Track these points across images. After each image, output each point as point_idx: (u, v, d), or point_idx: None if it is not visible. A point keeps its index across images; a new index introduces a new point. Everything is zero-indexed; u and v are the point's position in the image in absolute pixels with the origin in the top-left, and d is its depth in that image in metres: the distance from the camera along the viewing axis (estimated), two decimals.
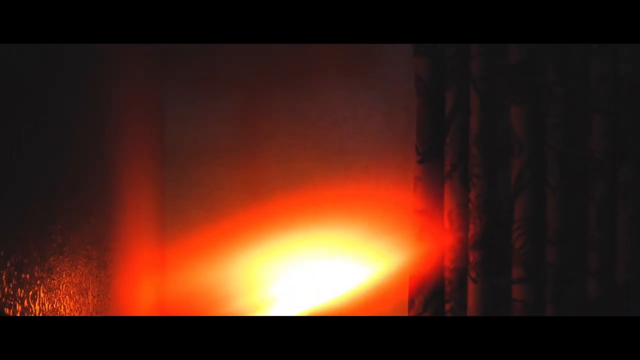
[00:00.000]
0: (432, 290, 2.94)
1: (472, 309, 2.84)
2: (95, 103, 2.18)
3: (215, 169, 3.15)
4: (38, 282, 1.75)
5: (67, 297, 1.94)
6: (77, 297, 2.03)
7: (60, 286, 1.90)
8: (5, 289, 1.61)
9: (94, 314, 2.17)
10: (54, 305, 1.86)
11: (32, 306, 1.73)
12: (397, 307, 3.09)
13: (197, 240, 3.16)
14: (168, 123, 3.13)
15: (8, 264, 1.61)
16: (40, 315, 1.77)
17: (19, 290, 1.66)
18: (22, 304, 1.68)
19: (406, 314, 3.03)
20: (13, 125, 1.61)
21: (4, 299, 1.60)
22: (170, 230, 3.14)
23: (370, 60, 3.11)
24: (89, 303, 2.12)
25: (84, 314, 2.08)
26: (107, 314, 2.30)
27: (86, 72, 2.10)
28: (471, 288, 2.85)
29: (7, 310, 1.60)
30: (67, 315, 1.94)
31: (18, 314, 1.66)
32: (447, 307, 2.91)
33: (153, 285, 2.94)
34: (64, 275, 1.92)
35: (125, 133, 2.52)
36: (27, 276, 1.70)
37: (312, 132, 3.14)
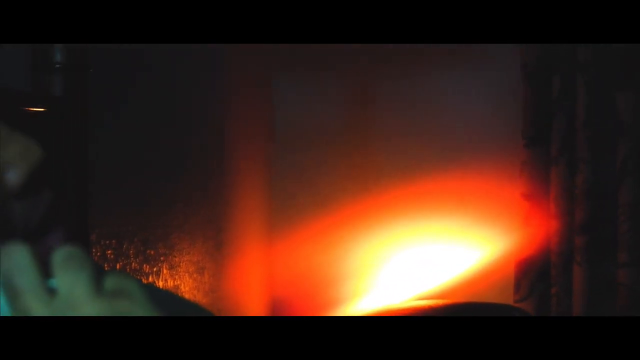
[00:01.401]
0: (538, 274, 2.96)
1: (577, 292, 2.86)
2: (212, 92, 2.26)
3: (323, 154, 3.19)
4: (162, 258, 1.84)
5: (186, 275, 2.03)
6: (195, 276, 2.11)
7: (181, 264, 1.99)
8: (133, 264, 1.69)
9: (210, 293, 2.25)
10: (176, 283, 1.94)
11: (157, 282, 1.82)
12: (502, 291, 3.10)
13: (304, 224, 3.20)
14: (278, 109, 3.19)
15: (135, 240, 1.69)
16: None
17: (144, 265, 1.75)
18: (147, 279, 1.76)
19: (512, 298, 3.05)
20: (145, 117, 1.69)
21: (131, 274, 1.69)
22: (279, 214, 3.20)
23: (476, 46, 3.13)
24: (205, 282, 2.20)
25: (201, 292, 2.16)
26: (221, 294, 2.38)
27: (206, 62, 2.18)
28: (577, 272, 2.86)
29: None
30: (185, 292, 2.02)
31: None
32: (553, 290, 2.93)
33: (262, 267, 3.01)
34: (184, 253, 2.01)
35: (238, 119, 2.59)
36: (152, 252, 1.79)
37: (419, 118, 3.17)
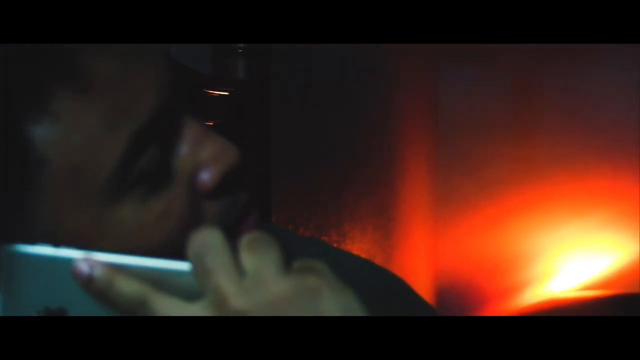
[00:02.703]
0: None
1: None
2: (379, 84, 2.26)
3: (487, 144, 3.16)
4: (335, 245, 1.85)
5: None
6: None
7: (353, 252, 1.99)
8: None
9: None
10: None
11: None
12: None
13: (469, 215, 3.18)
14: (442, 99, 3.17)
15: (310, 226, 1.71)
16: None
17: None
18: None
19: None
20: (317, 107, 1.71)
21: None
22: (444, 204, 3.18)
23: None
24: None
25: None
26: None
27: (372, 55, 2.18)
28: None
29: None
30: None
31: None
32: None
33: (428, 257, 3.00)
34: (355, 241, 2.02)
35: (404, 110, 2.59)
36: (326, 239, 1.80)
37: (583, 109, 3.11)
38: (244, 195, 0.64)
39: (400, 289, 0.86)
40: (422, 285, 2.90)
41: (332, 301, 0.54)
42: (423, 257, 2.90)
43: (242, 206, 0.64)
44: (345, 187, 1.92)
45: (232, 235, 0.56)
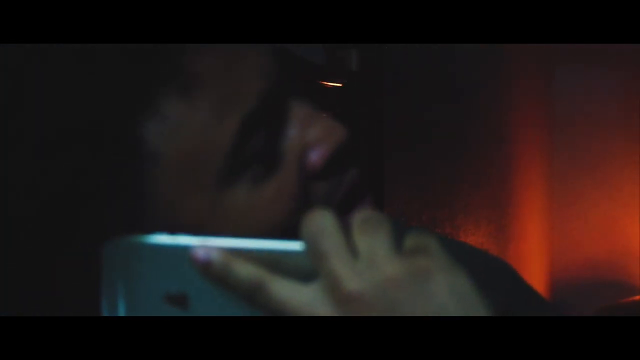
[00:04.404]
0: None
1: None
2: (493, 80, 2.25)
3: (603, 143, 3.12)
4: (448, 237, 1.85)
5: None
6: None
7: None
8: None
9: None
10: None
11: None
12: None
13: (585, 211, 3.14)
14: (557, 96, 3.14)
15: (423, 218, 1.71)
16: None
17: None
18: None
19: None
20: (428, 101, 1.70)
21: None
22: (559, 199, 3.15)
23: None
24: None
25: None
26: None
27: (485, 51, 2.17)
28: None
29: None
30: None
31: None
32: None
33: (542, 252, 2.97)
34: (469, 234, 2.01)
35: (518, 107, 2.57)
36: (439, 231, 1.80)
37: None
38: (355, 174, 0.65)
39: (512, 276, 0.86)
40: (536, 278, 2.87)
41: (444, 283, 0.54)
42: (537, 251, 2.87)
43: (353, 186, 0.65)
44: (457, 179, 1.92)
45: (343, 215, 0.57)
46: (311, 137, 0.63)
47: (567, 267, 3.14)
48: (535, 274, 2.85)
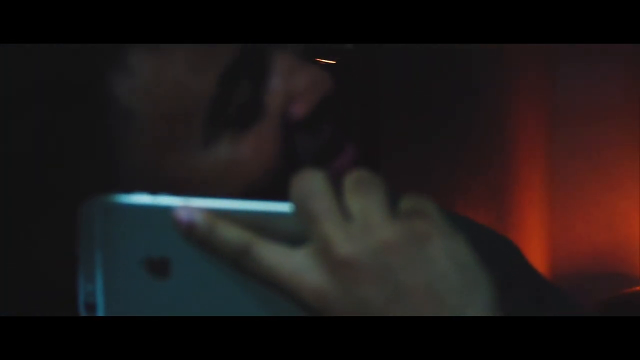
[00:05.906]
0: None
1: None
2: (493, 66, 2.24)
3: (603, 129, 3.11)
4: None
5: None
6: None
7: None
8: None
9: None
10: None
11: None
12: None
13: (585, 200, 3.13)
14: (558, 84, 3.12)
15: None
16: None
17: None
18: None
19: None
20: (429, 88, 1.68)
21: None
22: (558, 188, 3.14)
23: None
24: None
25: None
26: None
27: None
28: None
29: None
30: None
31: None
32: None
33: (542, 242, 2.96)
34: None
35: (518, 95, 2.56)
36: None
37: None
38: (341, 127, 0.62)
39: (515, 253, 0.84)
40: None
41: (441, 247, 0.51)
42: (536, 240, 2.86)
43: (339, 139, 0.61)
44: (457, 166, 1.90)
45: (334, 175, 0.54)
46: (295, 87, 0.60)
47: (567, 258, 3.14)
48: (534, 262, 2.83)
